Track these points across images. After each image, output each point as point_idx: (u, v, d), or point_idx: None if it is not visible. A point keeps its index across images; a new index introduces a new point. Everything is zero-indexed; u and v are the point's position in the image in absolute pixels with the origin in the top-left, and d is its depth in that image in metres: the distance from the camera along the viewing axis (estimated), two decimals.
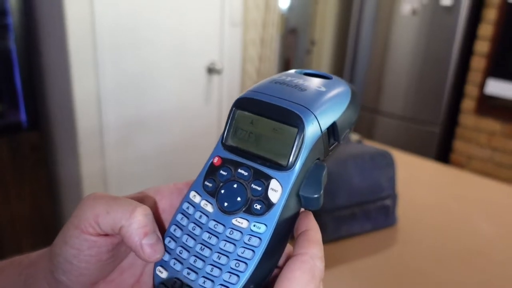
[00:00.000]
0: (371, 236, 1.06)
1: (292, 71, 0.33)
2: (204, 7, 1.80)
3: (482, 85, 2.54)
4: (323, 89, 0.29)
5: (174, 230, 0.29)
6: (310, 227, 0.28)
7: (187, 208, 0.30)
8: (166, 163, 1.87)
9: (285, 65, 3.23)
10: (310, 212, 0.29)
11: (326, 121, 0.28)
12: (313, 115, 0.27)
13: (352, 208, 1.03)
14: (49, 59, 1.61)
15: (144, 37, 1.64)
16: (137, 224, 0.27)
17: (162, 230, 0.32)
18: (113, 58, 1.57)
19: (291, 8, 3.18)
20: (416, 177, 1.45)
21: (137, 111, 1.71)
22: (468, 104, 2.64)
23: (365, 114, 2.98)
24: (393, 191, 1.10)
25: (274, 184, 0.27)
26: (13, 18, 1.50)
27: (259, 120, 0.29)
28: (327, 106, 0.29)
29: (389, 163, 1.09)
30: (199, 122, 1.94)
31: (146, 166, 1.80)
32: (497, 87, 2.47)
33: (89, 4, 1.46)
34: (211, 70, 1.88)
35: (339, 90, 0.30)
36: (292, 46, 3.26)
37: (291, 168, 0.27)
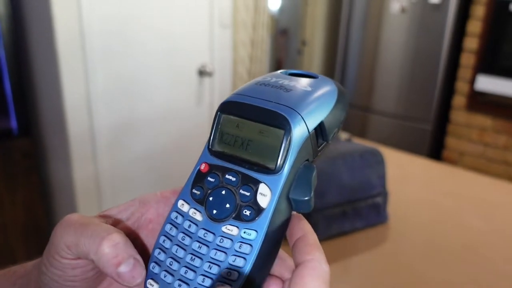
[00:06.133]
0: (363, 234, 1.06)
1: (277, 72, 0.32)
2: (193, 9, 1.80)
3: (472, 82, 2.55)
4: (308, 88, 0.29)
5: (164, 241, 0.29)
6: (306, 231, 0.28)
7: (176, 217, 0.29)
8: (158, 166, 1.87)
9: (277, 66, 3.24)
10: (302, 216, 0.29)
11: (313, 121, 0.28)
12: (299, 116, 0.27)
13: (343, 206, 1.03)
14: (39, 65, 1.60)
15: (134, 40, 1.64)
16: (105, 257, 0.26)
17: (145, 252, 0.31)
18: (103, 62, 1.57)
19: (281, 9, 3.19)
20: (407, 175, 1.46)
21: (128, 114, 1.70)
22: (459, 100, 2.65)
23: (357, 113, 2.99)
24: (384, 188, 1.11)
25: (262, 188, 0.27)
26: (2, 24, 1.50)
27: (245, 124, 0.28)
28: (314, 105, 0.28)
29: (379, 161, 1.09)
30: (191, 124, 1.94)
31: (138, 169, 1.79)
32: (487, 83, 2.49)
33: (77, 8, 1.45)
34: (202, 73, 1.88)
35: (326, 89, 0.29)
36: (283, 47, 3.27)
37: (279, 171, 0.27)
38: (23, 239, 1.69)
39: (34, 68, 1.62)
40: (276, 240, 0.27)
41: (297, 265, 0.26)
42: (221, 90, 2.01)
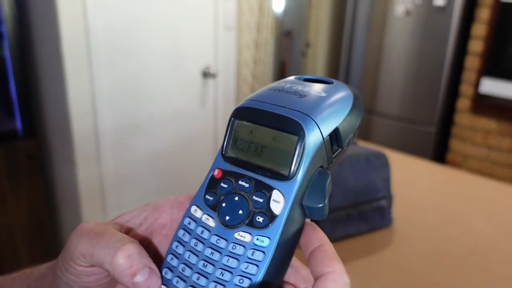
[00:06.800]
0: (367, 237, 1.06)
1: (292, 77, 0.32)
2: (198, 11, 1.80)
3: (476, 84, 2.55)
4: (323, 94, 0.28)
5: (176, 247, 0.29)
6: (323, 241, 0.27)
7: (189, 223, 0.29)
8: (162, 167, 1.87)
9: (281, 68, 3.23)
10: (316, 225, 0.28)
11: (327, 127, 0.27)
12: (313, 122, 0.27)
13: (348, 209, 1.03)
14: (44, 66, 1.61)
15: (139, 42, 1.65)
16: (120, 268, 0.27)
17: (158, 257, 0.31)
18: (108, 63, 1.57)
19: (285, 11, 3.19)
20: (412, 178, 1.46)
21: (133, 115, 1.71)
22: (463, 103, 2.65)
23: None
24: (388, 192, 1.10)
25: (276, 195, 0.26)
26: (7, 25, 1.51)
27: (258, 129, 0.28)
28: (328, 111, 0.27)
29: (384, 164, 1.09)
30: (195, 126, 1.94)
31: (142, 170, 1.80)
32: (491, 86, 2.48)
33: (83, 10, 1.46)
34: (206, 74, 1.88)
35: (341, 94, 0.29)
36: (287, 49, 3.27)
37: (293, 177, 0.26)
38: (27, 240, 1.69)
39: (39, 69, 1.63)
40: (289, 247, 0.27)
41: (316, 278, 0.26)
42: (225, 92, 2.01)
